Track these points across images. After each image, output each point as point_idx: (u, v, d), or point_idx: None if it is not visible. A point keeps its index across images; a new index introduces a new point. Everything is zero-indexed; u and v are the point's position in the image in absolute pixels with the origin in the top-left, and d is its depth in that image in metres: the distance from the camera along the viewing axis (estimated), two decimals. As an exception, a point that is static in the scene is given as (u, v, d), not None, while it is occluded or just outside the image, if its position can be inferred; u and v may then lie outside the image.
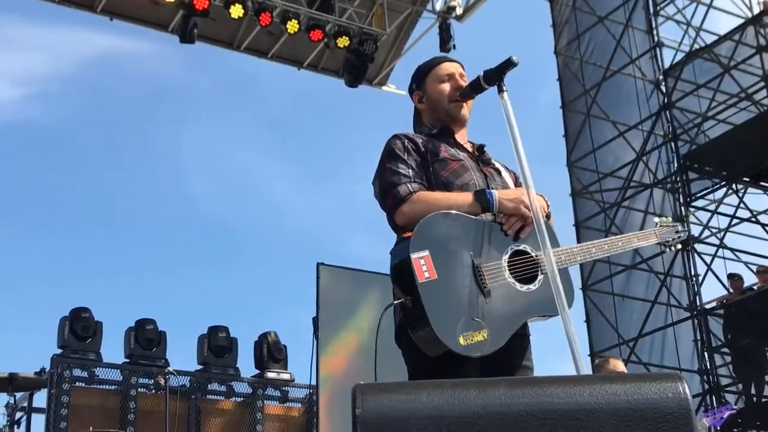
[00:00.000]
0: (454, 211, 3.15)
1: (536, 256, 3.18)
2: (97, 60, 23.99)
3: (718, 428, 9.02)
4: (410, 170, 3.30)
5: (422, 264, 2.97)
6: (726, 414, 7.96)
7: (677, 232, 3.81)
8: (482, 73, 3.31)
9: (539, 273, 3.16)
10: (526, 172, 3.12)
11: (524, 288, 3.12)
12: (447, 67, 3.54)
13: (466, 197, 3.20)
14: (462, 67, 3.53)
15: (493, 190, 3.24)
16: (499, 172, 3.48)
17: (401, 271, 3.02)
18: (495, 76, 3.27)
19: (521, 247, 3.20)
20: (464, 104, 3.50)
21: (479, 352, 2.92)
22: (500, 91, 3.25)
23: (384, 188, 3.30)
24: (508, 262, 3.14)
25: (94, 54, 24.81)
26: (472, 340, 2.92)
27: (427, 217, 3.09)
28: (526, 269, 3.16)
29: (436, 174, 3.31)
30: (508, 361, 3.16)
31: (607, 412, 2.08)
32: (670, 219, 3.90)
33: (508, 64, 3.24)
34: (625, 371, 6.12)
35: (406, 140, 3.39)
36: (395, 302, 3.05)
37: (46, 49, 23.62)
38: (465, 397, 2.09)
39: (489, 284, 3.04)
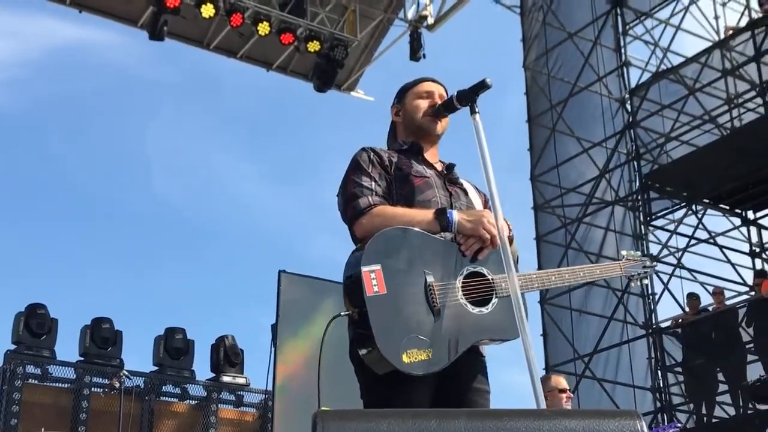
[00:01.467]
0: (411, 228, 3.14)
1: (492, 279, 3.17)
2: (64, 50, 23.79)
3: None
4: (373, 183, 3.29)
5: (372, 278, 2.95)
6: (671, 431, 8.03)
7: (645, 267, 3.76)
8: (455, 93, 3.33)
9: (494, 297, 3.14)
10: (495, 195, 3.12)
11: (476, 310, 3.08)
12: (428, 86, 3.56)
13: (426, 215, 3.19)
14: (445, 90, 3.53)
15: (453, 210, 3.23)
16: (465, 192, 3.47)
17: (351, 284, 3.01)
18: (468, 97, 3.28)
19: (478, 269, 3.17)
20: (438, 122, 3.50)
21: (422, 371, 2.90)
22: (472, 112, 3.26)
23: (346, 199, 3.30)
24: (463, 283, 3.11)
25: (61, 44, 24.59)
26: (415, 358, 2.90)
27: (382, 231, 3.09)
28: (480, 292, 3.13)
29: (398, 189, 3.31)
30: (462, 382, 3.16)
31: (565, 447, 2.10)
32: (639, 253, 3.84)
33: (482, 86, 3.25)
34: (567, 387, 6.16)
35: (372, 153, 3.39)
36: (342, 314, 3.03)
37: (12, 36, 23.35)
38: (425, 428, 2.09)
39: (439, 303, 3.01)
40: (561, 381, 6.16)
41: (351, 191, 3.29)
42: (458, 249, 3.19)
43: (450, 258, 3.15)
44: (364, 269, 2.97)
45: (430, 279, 3.04)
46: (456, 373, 3.07)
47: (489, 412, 2.30)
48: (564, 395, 6.01)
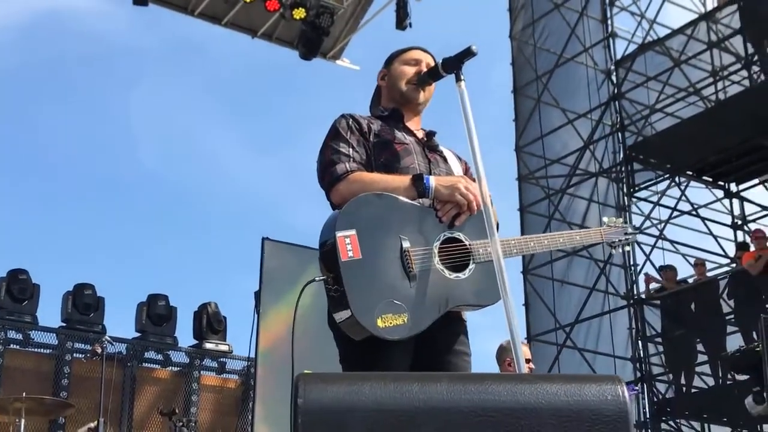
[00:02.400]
0: (387, 193, 3.13)
1: (469, 245, 3.16)
2: (47, 14, 23.60)
3: None
4: (351, 149, 3.29)
5: (347, 243, 2.95)
6: (630, 394, 8.09)
7: (626, 233, 3.75)
8: (441, 61, 3.32)
9: (471, 262, 3.14)
10: (479, 163, 3.11)
11: (453, 276, 3.08)
12: (416, 54, 3.55)
13: (403, 180, 3.19)
14: (434, 60, 3.50)
15: (430, 176, 3.22)
16: (445, 159, 3.46)
17: (326, 249, 3.00)
18: (453, 65, 3.27)
19: (455, 235, 3.16)
20: (421, 90, 3.49)
21: (397, 336, 2.91)
22: (458, 79, 3.25)
23: (323, 166, 3.29)
24: (440, 248, 3.10)
25: (44, 8, 24.38)
26: (390, 323, 2.89)
27: (358, 196, 3.08)
28: (457, 257, 3.13)
29: (377, 156, 3.30)
30: (442, 345, 3.17)
31: (546, 411, 2.11)
32: (620, 220, 3.82)
33: (467, 54, 3.23)
34: (529, 356, 6.22)
35: (351, 120, 3.38)
36: (317, 279, 3.03)
37: (-8, 1, 23.05)
38: (407, 390, 2.10)
39: (416, 269, 3.01)
40: (525, 350, 6.21)
41: (329, 157, 3.28)
42: (435, 215, 3.18)
43: (426, 224, 3.14)
44: (339, 234, 2.96)
45: (406, 244, 3.04)
46: (435, 337, 3.08)
47: (470, 375, 2.32)
48: (527, 366, 6.05)
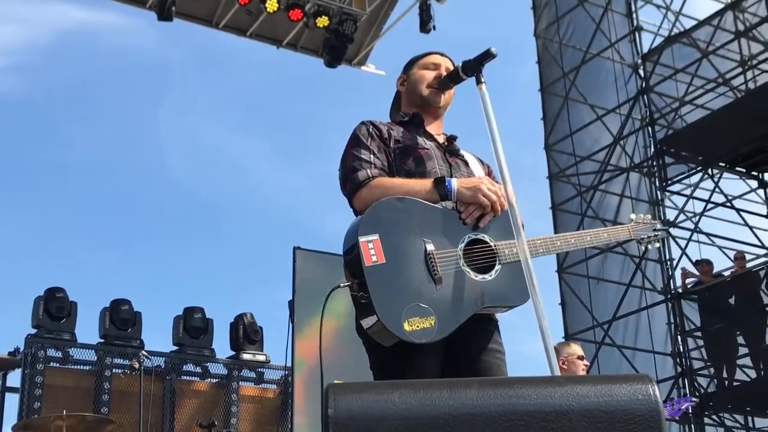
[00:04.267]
0: (409, 197, 3.13)
1: (495, 246, 3.15)
2: (73, 33, 23.80)
3: (677, 418, 9.05)
4: (372, 156, 3.29)
5: (370, 248, 2.94)
6: (685, 405, 8.02)
7: (655, 230, 3.73)
8: (461, 64, 3.32)
9: (497, 263, 3.13)
10: (503, 164, 3.10)
11: (479, 277, 3.07)
12: (435, 58, 3.56)
13: (424, 184, 3.19)
14: (453, 64, 3.49)
15: (451, 179, 3.22)
16: (466, 163, 3.45)
17: (350, 255, 3.00)
18: (473, 67, 3.26)
19: (479, 237, 3.16)
20: (441, 94, 3.49)
21: (425, 339, 2.89)
22: (478, 82, 3.24)
23: (345, 174, 3.30)
24: (464, 250, 3.10)
25: (70, 27, 24.59)
26: (417, 326, 2.88)
27: (380, 201, 3.08)
28: (483, 259, 3.12)
29: (399, 161, 3.31)
30: (473, 345, 3.16)
31: (577, 413, 2.09)
32: (648, 216, 3.80)
33: (487, 56, 3.23)
34: (582, 353, 6.17)
35: (372, 126, 3.39)
36: (342, 285, 3.02)
37: (21, 22, 23.34)
38: (437, 397, 2.10)
39: (441, 272, 3.00)
40: (578, 349, 6.17)
41: (350, 165, 3.29)
42: (458, 217, 3.17)
43: (450, 226, 3.14)
44: (362, 239, 2.96)
45: (430, 247, 3.03)
46: (466, 337, 3.08)
47: (500, 380, 2.31)
48: (582, 363, 6.02)
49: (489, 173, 3.51)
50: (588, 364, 6.23)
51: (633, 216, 3.77)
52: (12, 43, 23.49)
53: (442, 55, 3.58)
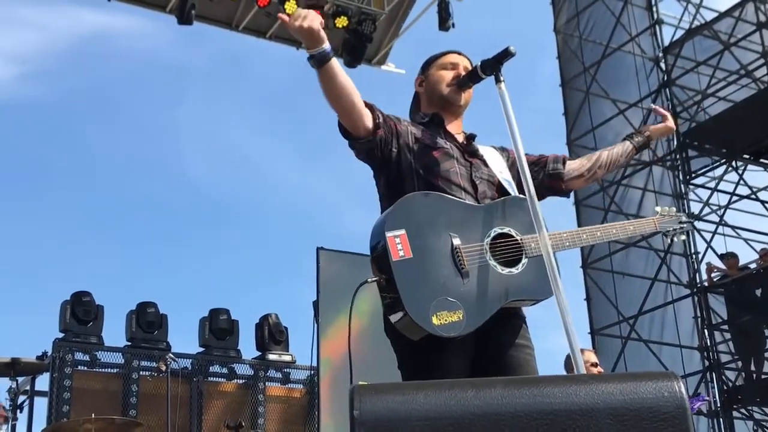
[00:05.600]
0: (434, 192, 3.16)
1: (521, 239, 3.16)
2: (91, 37, 23.93)
3: (705, 411, 8.96)
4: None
5: (397, 242, 2.96)
6: (698, 405, 7.96)
7: (681, 222, 3.73)
8: (479, 63, 3.32)
9: (523, 257, 3.14)
10: (524, 163, 3.11)
11: (506, 271, 3.09)
12: (453, 58, 3.55)
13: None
14: (470, 62, 3.50)
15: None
16: (485, 163, 3.45)
17: (377, 250, 3.02)
18: (492, 66, 3.27)
19: (506, 230, 3.17)
20: (461, 93, 3.49)
21: (454, 333, 2.91)
22: (497, 81, 3.25)
23: None
24: (491, 244, 3.11)
25: (88, 31, 24.73)
26: (446, 320, 2.90)
27: (406, 196, 3.11)
28: (509, 252, 3.13)
29: (418, 160, 3.30)
30: (502, 340, 3.16)
31: (603, 411, 2.10)
32: (674, 209, 3.80)
33: (506, 54, 3.24)
34: (595, 360, 6.15)
35: (392, 115, 3.39)
36: (370, 280, 3.04)
37: (39, 27, 23.53)
38: (462, 397, 2.10)
39: (468, 266, 3.02)
40: (591, 356, 6.15)
41: None
42: (484, 211, 3.19)
43: (476, 220, 3.15)
44: (389, 234, 2.98)
45: (456, 241, 3.05)
46: (494, 333, 3.08)
47: (525, 379, 2.31)
48: (596, 370, 5.99)
49: (513, 158, 3.48)
50: (602, 371, 6.20)
51: (658, 209, 3.78)
52: (30, 49, 23.68)
53: (459, 54, 3.58)
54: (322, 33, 3.07)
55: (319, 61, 3.07)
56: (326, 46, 3.07)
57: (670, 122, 3.66)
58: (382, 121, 3.27)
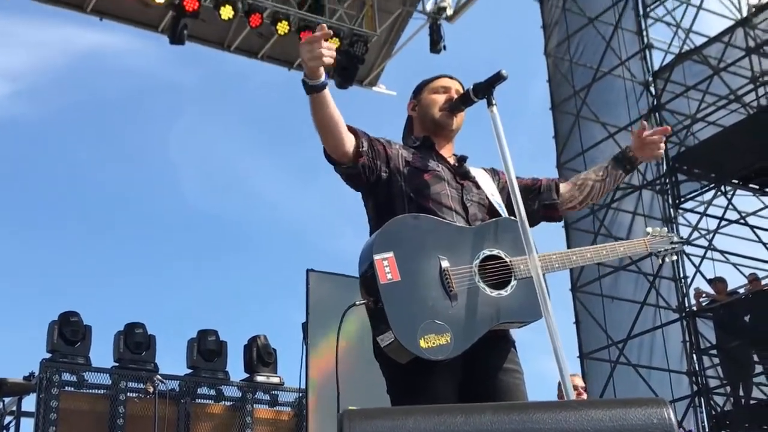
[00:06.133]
0: (423, 215, 3.16)
1: (510, 261, 3.16)
2: (84, 56, 23.97)
3: None
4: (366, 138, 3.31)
5: (385, 265, 2.96)
6: None
7: (672, 243, 3.72)
8: (471, 86, 3.33)
9: (512, 279, 3.13)
10: (515, 186, 3.11)
11: (495, 293, 3.08)
12: (445, 82, 3.57)
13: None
14: (462, 86, 3.52)
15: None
16: (477, 185, 3.46)
17: (365, 273, 3.02)
18: (484, 90, 3.29)
19: (495, 252, 3.16)
20: (453, 116, 3.50)
21: (441, 356, 2.90)
22: (489, 104, 3.27)
23: None
24: (479, 266, 3.11)
25: (81, 50, 24.75)
26: (433, 343, 2.89)
27: (394, 218, 3.11)
28: (498, 275, 3.13)
29: (409, 183, 3.31)
30: (490, 364, 3.16)
31: (593, 438, 2.09)
32: (665, 229, 3.79)
33: (498, 78, 3.25)
34: (579, 384, 6.13)
35: (382, 138, 3.40)
36: (358, 303, 3.05)
37: (32, 46, 23.55)
38: (451, 423, 2.09)
39: (456, 288, 3.01)
40: (577, 380, 6.14)
41: None
42: (473, 233, 3.18)
43: (465, 242, 3.15)
44: (377, 257, 2.98)
45: (444, 264, 3.05)
46: (482, 356, 3.08)
47: (515, 405, 2.30)
48: (575, 392, 5.98)
49: (504, 182, 3.50)
50: (582, 393, 6.18)
51: (649, 229, 3.76)
52: (22, 67, 23.69)
53: (451, 78, 3.59)
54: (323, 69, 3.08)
55: (315, 89, 3.08)
56: (323, 77, 3.09)
57: (660, 148, 3.65)
58: (366, 149, 3.27)
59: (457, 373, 3.08)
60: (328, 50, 3.03)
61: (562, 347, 2.90)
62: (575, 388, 6.06)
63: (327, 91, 3.11)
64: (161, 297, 23.77)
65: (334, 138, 3.18)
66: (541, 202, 3.56)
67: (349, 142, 3.22)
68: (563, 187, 3.64)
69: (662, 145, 3.62)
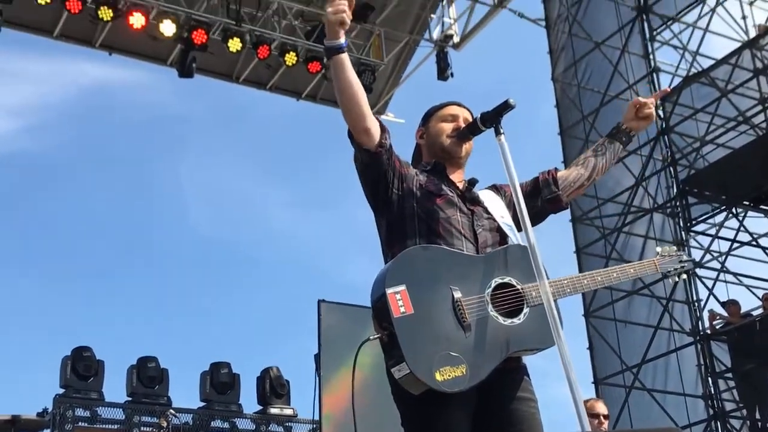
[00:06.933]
0: (433, 245, 3.16)
1: (522, 289, 3.15)
2: (93, 90, 24.09)
3: None
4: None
5: (398, 298, 2.96)
6: None
7: (681, 261, 3.71)
8: (479, 115, 3.34)
9: (525, 306, 3.13)
10: (524, 212, 3.10)
11: (508, 322, 3.07)
12: (453, 109, 3.57)
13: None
14: (470, 114, 3.53)
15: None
16: (486, 210, 3.45)
17: (378, 307, 3.02)
18: (492, 119, 3.29)
19: (506, 280, 3.16)
20: (462, 144, 3.50)
21: (457, 388, 2.90)
22: (497, 133, 3.26)
23: None
24: (491, 295, 3.10)
25: (90, 84, 24.91)
26: (449, 375, 2.89)
27: (405, 251, 3.11)
28: (510, 302, 3.12)
29: (421, 206, 3.31)
30: (505, 393, 3.14)
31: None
32: (674, 248, 3.77)
33: (505, 107, 3.25)
34: (602, 412, 6.07)
35: (402, 158, 3.43)
36: (372, 338, 3.03)
37: (41, 80, 23.72)
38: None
39: (469, 318, 3.01)
40: (596, 405, 6.08)
41: None
42: (484, 262, 3.17)
43: (476, 271, 3.15)
44: (389, 291, 2.98)
45: (457, 294, 3.04)
46: (497, 385, 3.06)
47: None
48: (596, 420, 5.93)
49: (509, 197, 3.51)
50: (604, 421, 6.10)
51: (659, 249, 3.76)
52: (32, 103, 23.86)
53: (459, 105, 3.60)
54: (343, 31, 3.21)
55: (336, 50, 3.20)
56: (342, 40, 3.20)
57: (652, 112, 3.69)
58: (388, 147, 3.31)
59: (472, 403, 3.06)
60: (346, 16, 3.17)
61: (574, 372, 2.87)
62: (597, 416, 6.00)
63: (347, 56, 3.22)
64: (173, 330, 23.77)
65: (356, 106, 3.25)
66: (543, 198, 3.56)
67: (372, 122, 3.28)
68: (566, 172, 3.65)
69: (653, 109, 3.68)
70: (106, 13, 11.08)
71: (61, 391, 9.37)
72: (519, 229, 3.33)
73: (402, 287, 2.98)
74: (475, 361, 2.95)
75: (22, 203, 23.94)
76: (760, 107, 13.84)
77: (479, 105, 3.42)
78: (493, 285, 3.13)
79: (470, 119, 3.48)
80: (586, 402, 6.12)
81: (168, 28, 11.46)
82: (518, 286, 3.15)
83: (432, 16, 14.11)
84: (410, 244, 3.20)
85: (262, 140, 26.67)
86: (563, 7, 16.10)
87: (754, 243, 14.43)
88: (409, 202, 3.32)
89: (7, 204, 23.27)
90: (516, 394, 3.15)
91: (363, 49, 13.06)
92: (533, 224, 3.17)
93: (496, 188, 3.60)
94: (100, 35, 12.23)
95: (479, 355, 2.97)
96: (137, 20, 11.28)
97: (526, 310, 3.12)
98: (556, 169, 3.65)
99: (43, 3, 10.78)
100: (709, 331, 13.29)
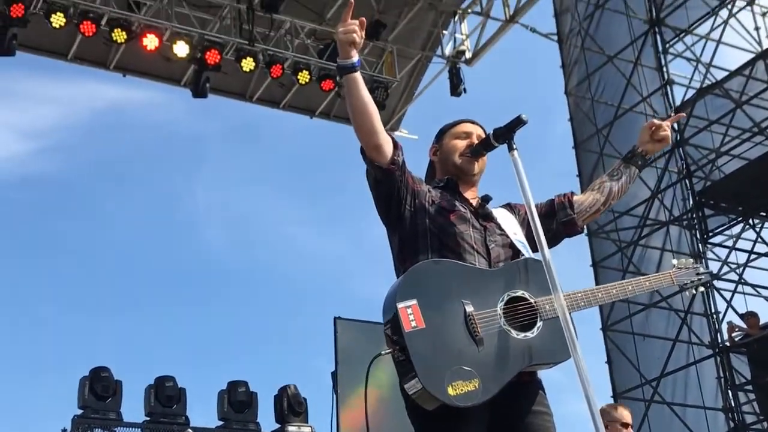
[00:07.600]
0: (445, 259, 3.15)
1: (535, 302, 3.14)
2: (108, 111, 24.21)
3: None
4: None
5: (409, 313, 2.95)
6: None
7: (698, 273, 3.70)
8: (492, 131, 3.33)
9: (538, 320, 3.11)
10: (539, 227, 3.09)
11: (521, 335, 3.06)
12: (466, 127, 3.58)
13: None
14: (484, 131, 3.53)
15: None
16: (499, 226, 3.45)
17: (389, 322, 3.01)
18: (505, 135, 3.28)
19: (519, 294, 3.15)
20: (475, 161, 3.50)
21: (470, 402, 2.88)
22: (510, 149, 3.26)
23: None
24: (504, 309, 3.09)
25: (104, 105, 25.04)
26: (462, 390, 2.88)
27: (416, 265, 3.11)
28: (523, 316, 3.11)
29: (433, 222, 3.31)
30: (519, 407, 3.12)
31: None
32: (691, 261, 3.76)
33: (518, 123, 3.25)
34: (630, 422, 6.01)
35: (415, 175, 3.44)
36: (383, 353, 3.02)
37: (56, 102, 23.91)
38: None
39: (481, 332, 2.99)
40: (626, 414, 6.01)
41: None
42: (496, 276, 3.16)
43: (488, 285, 3.14)
44: (400, 305, 2.97)
45: (469, 308, 3.03)
46: (511, 399, 3.05)
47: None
48: (626, 430, 5.86)
49: (523, 215, 3.51)
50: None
51: (675, 261, 3.74)
52: (47, 124, 24.02)
53: (472, 122, 3.60)
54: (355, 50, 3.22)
55: (349, 69, 3.21)
56: (355, 59, 3.21)
57: (667, 134, 3.67)
58: (399, 164, 3.31)
59: (485, 417, 3.05)
60: (357, 35, 3.20)
61: (591, 385, 2.86)
62: (626, 425, 5.92)
63: (359, 75, 3.24)
64: (191, 349, 23.77)
65: (368, 123, 3.26)
66: (558, 221, 3.56)
67: (384, 139, 3.29)
68: (582, 197, 3.66)
69: (669, 131, 3.65)
70: (119, 36, 11.16)
71: (80, 411, 9.38)
72: (534, 249, 3.32)
73: (413, 301, 2.97)
74: (487, 375, 2.93)
75: (38, 223, 24.06)
76: (774, 118, 13.81)
77: (492, 120, 3.42)
78: (506, 299, 3.12)
79: (483, 136, 3.48)
80: (617, 408, 6.06)
81: (181, 49, 11.53)
82: (531, 300, 3.14)
83: (444, 32, 14.14)
84: (422, 259, 3.20)
85: (276, 158, 26.74)
86: (575, 21, 16.09)
87: (771, 254, 14.37)
88: (422, 217, 3.32)
89: (24, 224, 23.39)
90: (531, 407, 3.14)
91: (375, 66, 13.09)
92: (548, 247, 3.16)
93: (510, 207, 3.60)
94: (114, 57, 12.33)
95: (492, 370, 2.96)
96: (151, 42, 11.35)
97: (539, 323, 3.11)
98: (572, 193, 3.66)
99: (57, 26, 10.85)
100: (728, 344, 13.21)
